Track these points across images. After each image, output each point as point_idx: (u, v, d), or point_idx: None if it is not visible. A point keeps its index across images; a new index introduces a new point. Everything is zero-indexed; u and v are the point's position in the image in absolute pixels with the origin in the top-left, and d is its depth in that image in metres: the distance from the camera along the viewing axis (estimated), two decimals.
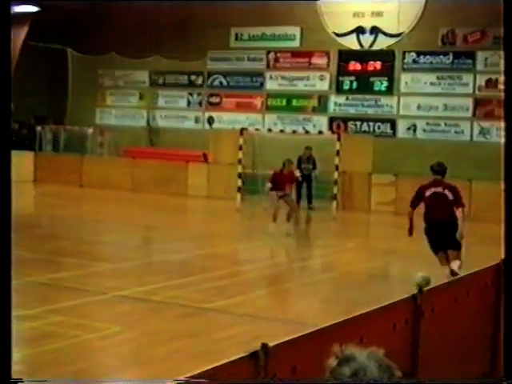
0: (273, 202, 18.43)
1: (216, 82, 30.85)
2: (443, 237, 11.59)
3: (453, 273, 10.96)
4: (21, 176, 26.62)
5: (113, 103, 33.14)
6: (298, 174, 22.36)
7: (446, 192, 11.65)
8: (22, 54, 30.67)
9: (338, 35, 28.15)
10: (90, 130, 31.32)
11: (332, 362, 2.78)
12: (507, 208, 4.66)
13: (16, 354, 8.09)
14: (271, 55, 29.60)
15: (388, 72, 27.51)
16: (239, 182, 24.83)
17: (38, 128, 31.38)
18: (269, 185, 18.60)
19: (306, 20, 28.47)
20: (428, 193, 11.79)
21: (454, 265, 11.31)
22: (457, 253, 11.49)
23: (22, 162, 28.01)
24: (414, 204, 11.95)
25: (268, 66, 29.74)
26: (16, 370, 7.40)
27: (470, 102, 25.91)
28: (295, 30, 28.99)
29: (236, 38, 30.18)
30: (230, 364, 4.71)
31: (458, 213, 11.51)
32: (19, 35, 30.59)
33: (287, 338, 5.49)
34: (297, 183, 21.94)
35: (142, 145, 31.03)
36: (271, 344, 4.99)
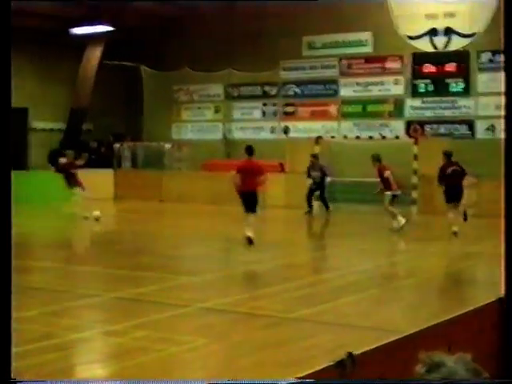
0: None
1: (290, 92, 30.86)
2: (456, 194, 18.73)
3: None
4: (101, 193, 27.08)
5: (188, 118, 33.44)
6: (309, 182, 22.69)
7: (458, 168, 18.81)
8: (98, 74, 31.20)
9: (411, 38, 27.88)
10: (168, 146, 31.63)
11: (420, 368, 2.72)
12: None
13: (102, 370, 8.18)
14: (344, 62, 29.49)
15: (464, 73, 27.12)
16: (317, 191, 24.75)
17: (117, 146, 31.83)
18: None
19: (377, 25, 28.29)
20: (449, 170, 18.83)
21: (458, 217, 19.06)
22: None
23: (101, 180, 28.47)
24: (441, 180, 18.94)
25: (341, 73, 29.63)
26: None
27: None
28: (367, 36, 28.82)
29: (308, 47, 30.16)
30: (317, 373, 4.65)
31: (465, 179, 18.92)
32: (95, 55, 31.13)
33: (373, 346, 5.41)
34: (309, 190, 22.64)
35: (219, 157, 31.20)
36: (357, 352, 4.92)
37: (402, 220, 19.86)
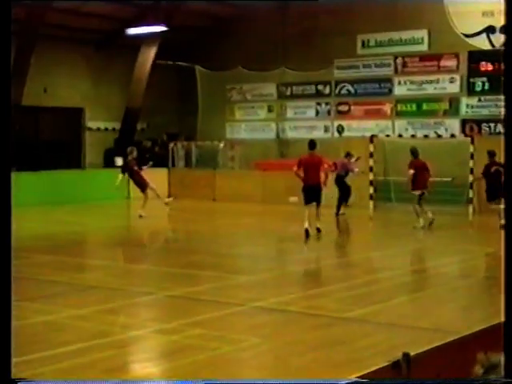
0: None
1: (344, 91, 30.73)
2: (496, 192, 19.21)
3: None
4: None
5: (242, 117, 33.50)
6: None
7: (501, 168, 18.69)
8: (151, 74, 31.42)
9: (468, 36, 27.56)
10: (221, 145, 31.71)
11: (478, 369, 2.68)
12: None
13: (156, 368, 8.22)
14: (399, 60, 29.26)
15: None
16: (371, 190, 24.61)
17: (171, 145, 32.02)
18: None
19: (433, 22, 28.02)
20: (492, 169, 19.74)
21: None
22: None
23: (156, 179, 28.62)
24: (485, 175, 20.20)
25: (396, 72, 29.40)
26: None
27: None
28: (423, 34, 28.56)
29: (362, 45, 29.99)
30: (372, 374, 4.62)
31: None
32: (149, 55, 31.35)
33: (429, 347, 5.35)
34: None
35: (272, 157, 31.20)
36: (413, 353, 4.87)
37: (421, 222, 20.06)
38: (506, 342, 4.34)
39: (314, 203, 18.39)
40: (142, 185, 23.16)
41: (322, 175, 18.36)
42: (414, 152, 20.73)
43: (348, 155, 24.40)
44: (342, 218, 23.19)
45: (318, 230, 18.40)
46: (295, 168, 18.48)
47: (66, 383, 6.53)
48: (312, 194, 18.27)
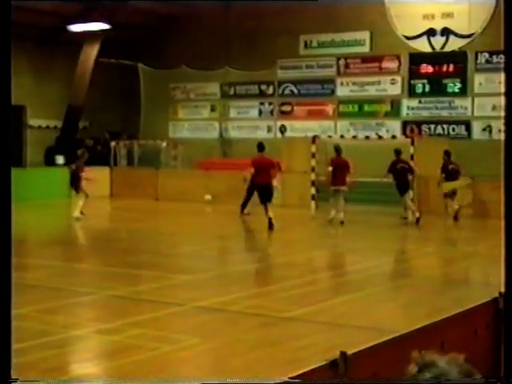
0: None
1: (287, 91, 30.89)
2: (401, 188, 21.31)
3: None
4: (97, 191, 27.03)
5: (185, 116, 33.46)
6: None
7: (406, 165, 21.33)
8: (94, 72, 31.20)
9: (409, 38, 27.92)
10: (164, 144, 31.63)
11: (412, 368, 2.74)
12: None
13: (96, 367, 8.20)
14: (341, 61, 29.52)
15: (461, 73, 27.17)
16: (313, 190, 24.77)
17: (113, 143, 31.83)
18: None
19: (375, 24, 28.33)
20: (398, 166, 21.28)
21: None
22: None
23: (98, 178, 28.44)
24: (391, 171, 21.40)
25: (338, 73, 29.66)
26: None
27: None
28: (364, 35, 28.85)
29: (305, 46, 30.19)
30: (310, 373, 4.67)
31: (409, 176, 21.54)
32: (91, 53, 31.12)
33: (367, 346, 5.43)
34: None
35: (215, 156, 31.23)
36: (350, 352, 4.94)
37: (332, 213, 21.37)
38: (506, 341, 4.43)
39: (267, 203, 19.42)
40: (80, 187, 22.58)
41: (275, 175, 19.78)
42: (337, 149, 21.74)
43: None
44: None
45: (270, 221, 19.32)
46: (252, 170, 19.62)
47: (66, 383, 6.48)
48: (264, 193, 19.34)
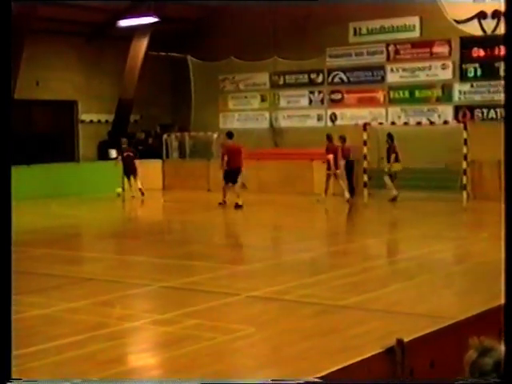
0: None
1: (336, 79, 30.71)
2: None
3: None
4: (150, 184, 27.26)
5: (235, 107, 33.46)
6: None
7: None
8: (144, 65, 31.39)
9: (459, 22, 27.54)
10: (215, 135, 31.69)
11: (472, 354, 2.70)
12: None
13: (152, 359, 8.26)
14: (391, 47, 29.24)
15: None
16: (365, 178, 24.64)
17: (164, 136, 32.00)
18: None
19: (424, 9, 27.99)
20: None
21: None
22: None
23: (150, 171, 28.64)
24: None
25: (388, 59, 29.39)
26: (154, 374, 7.55)
27: None
28: (414, 20, 28.54)
29: (354, 33, 29.96)
30: (367, 360, 4.65)
31: None
32: (140, 47, 31.30)
33: (423, 333, 5.38)
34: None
35: (265, 146, 31.19)
36: (407, 339, 4.90)
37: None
38: (506, 342, 4.38)
39: (230, 184, 22.16)
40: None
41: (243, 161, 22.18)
42: (328, 137, 24.20)
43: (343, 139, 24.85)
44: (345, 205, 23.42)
45: (237, 205, 21.89)
46: (226, 157, 22.24)
47: (66, 383, 6.55)
48: (232, 175, 21.95)
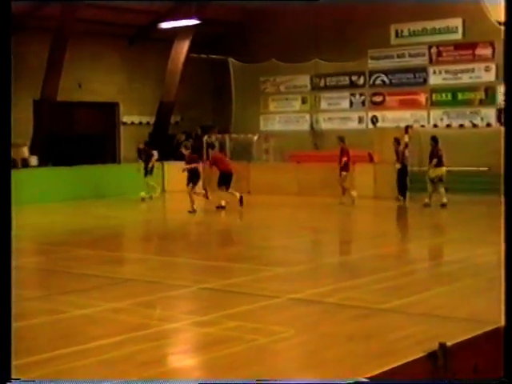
0: None
1: (378, 81, 30.59)
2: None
3: None
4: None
5: (276, 109, 33.48)
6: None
7: None
8: (185, 67, 31.50)
9: (501, 24, 27.26)
10: (255, 137, 31.70)
11: None
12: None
13: (192, 360, 8.25)
14: (433, 49, 29.07)
15: None
16: (407, 181, 24.46)
17: (205, 138, 32.07)
18: None
19: (467, 11, 27.77)
20: None
21: None
22: None
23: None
24: None
25: (431, 61, 29.22)
26: (193, 375, 7.55)
27: None
28: (457, 22, 28.34)
29: (396, 35, 29.84)
30: (409, 365, 4.60)
31: None
32: (182, 48, 31.43)
33: (466, 337, 5.31)
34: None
35: (306, 149, 31.14)
36: (450, 343, 4.84)
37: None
38: (506, 341, 4.32)
39: (224, 187, 23.11)
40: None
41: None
42: (341, 139, 24.82)
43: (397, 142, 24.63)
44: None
45: (220, 206, 23.09)
46: (212, 165, 23.77)
47: (66, 383, 6.57)
48: (225, 179, 22.98)
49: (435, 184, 22.71)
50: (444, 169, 22.73)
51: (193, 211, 22.19)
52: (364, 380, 4.13)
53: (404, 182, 24.41)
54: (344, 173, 24.49)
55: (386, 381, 4.27)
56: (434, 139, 23.06)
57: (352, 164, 25.08)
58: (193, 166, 22.85)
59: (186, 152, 23.30)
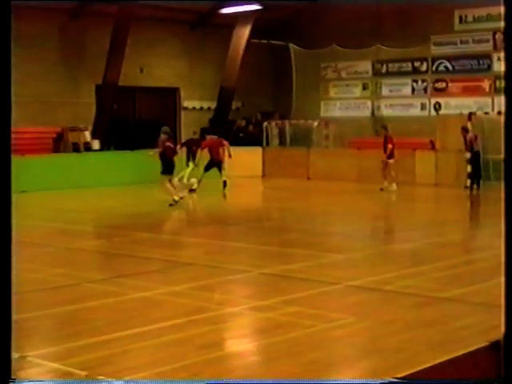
0: None
1: (441, 67, 30.21)
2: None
3: None
4: (250, 171, 27.41)
5: (336, 95, 33.31)
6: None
7: None
8: (246, 53, 31.49)
9: None
10: (315, 123, 31.60)
11: None
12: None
13: (251, 344, 8.26)
14: (498, 36, 28.57)
15: None
16: (469, 168, 24.16)
17: (265, 123, 32.07)
18: None
19: None
20: None
21: None
22: None
23: (250, 158, 28.78)
24: None
25: (495, 47, 28.73)
26: (251, 360, 7.55)
27: None
28: None
29: (460, 21, 29.41)
30: (470, 354, 4.53)
31: None
32: (243, 34, 31.42)
33: None
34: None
35: (366, 135, 30.94)
36: None
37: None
38: (506, 340, 4.22)
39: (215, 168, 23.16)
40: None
41: (221, 152, 23.32)
42: (385, 127, 25.39)
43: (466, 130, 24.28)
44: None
45: (192, 189, 23.56)
46: (205, 149, 23.38)
47: (67, 383, 6.60)
48: (213, 166, 23.12)
49: None
50: None
51: (174, 203, 20.51)
52: (395, 380, 4.07)
53: (478, 170, 24.04)
54: (391, 160, 24.44)
55: (433, 379, 4.21)
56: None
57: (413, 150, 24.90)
58: (157, 152, 21.23)
59: (163, 137, 21.40)
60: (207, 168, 23.31)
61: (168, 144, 21.32)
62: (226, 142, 23.80)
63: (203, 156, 23.55)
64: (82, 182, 24.57)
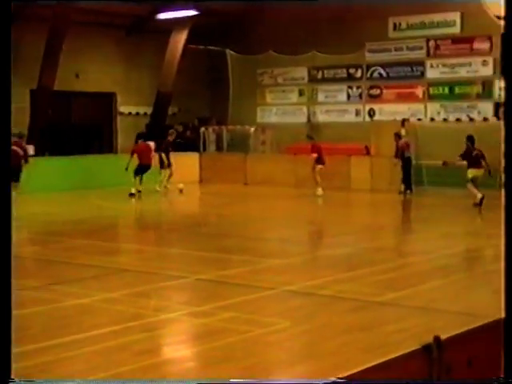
0: None
1: (375, 74, 30.59)
2: None
3: None
4: (187, 177, 27.34)
5: (273, 101, 33.48)
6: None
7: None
8: (182, 58, 31.46)
9: (501, 18, 27.22)
10: (252, 129, 31.71)
11: None
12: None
13: (187, 350, 8.27)
14: (431, 43, 29.07)
15: None
16: (401, 174, 24.47)
17: (202, 129, 32.07)
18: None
19: (465, 5, 27.75)
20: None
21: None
22: None
23: (187, 164, 28.74)
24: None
25: (428, 55, 29.22)
26: (188, 366, 7.56)
27: None
28: (455, 16, 28.33)
29: (394, 28, 29.84)
30: (403, 357, 4.61)
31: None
32: (180, 39, 31.39)
33: (461, 330, 5.32)
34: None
35: (303, 141, 31.14)
36: (444, 336, 4.85)
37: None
38: (506, 342, 4.34)
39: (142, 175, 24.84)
40: (169, 164, 26.12)
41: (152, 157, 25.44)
42: (310, 137, 26.06)
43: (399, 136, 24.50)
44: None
45: (133, 194, 24.61)
46: (135, 154, 24.81)
47: (66, 383, 6.57)
48: (143, 170, 24.76)
49: (475, 183, 21.12)
50: (477, 171, 21.20)
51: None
52: (340, 380, 4.13)
53: (408, 175, 24.32)
54: (319, 166, 24.65)
55: (366, 380, 4.28)
56: (470, 139, 21.47)
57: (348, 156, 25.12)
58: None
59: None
60: (137, 172, 24.69)
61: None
62: (152, 146, 26.03)
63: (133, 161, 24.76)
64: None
